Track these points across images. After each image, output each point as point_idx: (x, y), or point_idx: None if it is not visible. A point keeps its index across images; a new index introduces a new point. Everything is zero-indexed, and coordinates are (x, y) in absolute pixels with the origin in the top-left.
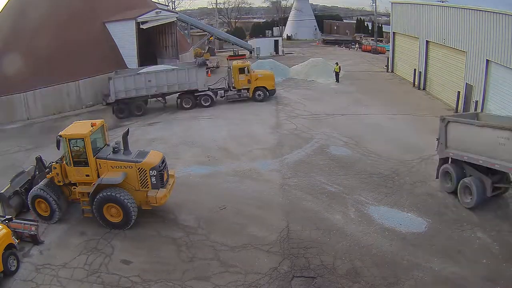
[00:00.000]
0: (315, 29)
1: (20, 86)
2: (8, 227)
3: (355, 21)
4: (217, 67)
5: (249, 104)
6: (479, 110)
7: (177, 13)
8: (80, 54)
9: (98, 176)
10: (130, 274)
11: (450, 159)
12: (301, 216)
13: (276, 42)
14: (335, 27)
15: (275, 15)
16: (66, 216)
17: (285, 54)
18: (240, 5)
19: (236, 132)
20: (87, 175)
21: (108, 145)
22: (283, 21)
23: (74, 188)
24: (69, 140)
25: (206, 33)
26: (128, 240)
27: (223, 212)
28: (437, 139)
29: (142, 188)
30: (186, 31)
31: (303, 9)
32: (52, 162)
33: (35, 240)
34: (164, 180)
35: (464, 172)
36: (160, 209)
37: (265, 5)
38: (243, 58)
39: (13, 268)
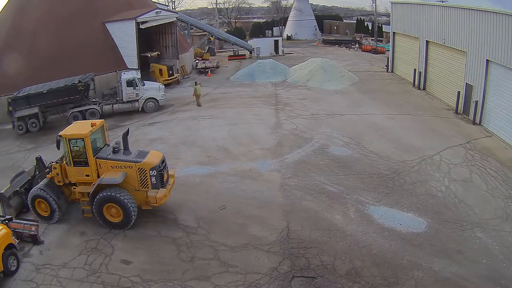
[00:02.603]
0: (315, 29)
1: (20, 86)
2: (8, 227)
3: (355, 21)
4: (217, 67)
5: (249, 104)
6: (479, 110)
7: (177, 13)
8: (80, 54)
9: (98, 176)
10: (130, 274)
11: None
12: (301, 216)
13: (276, 42)
14: (335, 27)
15: (275, 15)
16: (66, 216)
17: (285, 54)
18: (240, 5)
19: (236, 132)
20: (87, 175)
21: (108, 145)
22: (283, 21)
23: (74, 188)
24: (69, 140)
25: (206, 33)
26: (128, 240)
27: (223, 212)
28: None
29: (142, 188)
30: (186, 31)
31: (303, 9)
32: (52, 162)
33: (35, 240)
34: (164, 180)
35: None
36: (160, 209)
37: (265, 5)
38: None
39: (13, 268)
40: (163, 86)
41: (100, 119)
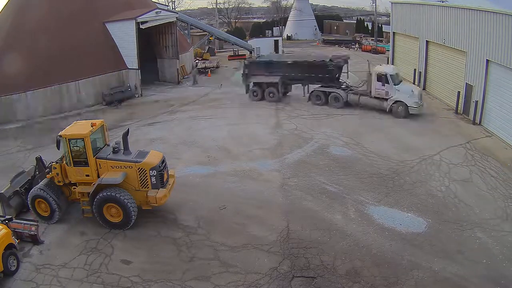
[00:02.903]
0: (315, 29)
1: (20, 86)
2: (8, 227)
3: (355, 21)
4: (217, 67)
5: (249, 104)
6: (479, 110)
7: (177, 13)
8: (80, 54)
9: (98, 176)
10: (130, 274)
11: None
12: (301, 216)
13: (276, 42)
14: (335, 27)
15: (275, 15)
16: (66, 216)
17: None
18: (240, 5)
19: (236, 132)
20: (87, 175)
21: (108, 145)
22: (283, 21)
23: (74, 188)
24: (69, 140)
25: (206, 33)
26: (128, 240)
27: (223, 212)
28: None
29: (142, 188)
30: (186, 31)
31: (303, 9)
32: (52, 162)
33: (35, 240)
34: (164, 180)
35: None
36: (160, 209)
37: (265, 5)
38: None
39: (13, 268)
40: (421, 92)
41: (341, 107)
